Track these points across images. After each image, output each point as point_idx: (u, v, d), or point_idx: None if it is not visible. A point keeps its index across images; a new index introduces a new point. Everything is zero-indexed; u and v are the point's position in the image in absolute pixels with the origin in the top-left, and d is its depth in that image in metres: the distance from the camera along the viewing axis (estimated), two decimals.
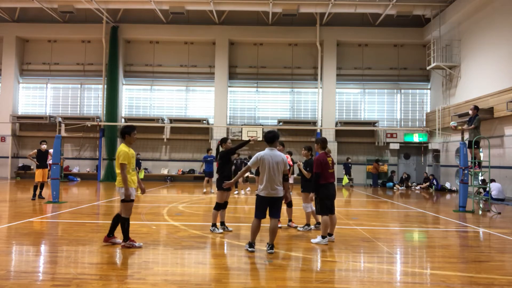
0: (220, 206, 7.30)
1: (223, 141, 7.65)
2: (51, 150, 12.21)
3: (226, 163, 7.44)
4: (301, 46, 22.92)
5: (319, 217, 8.01)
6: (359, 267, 5.32)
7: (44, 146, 12.16)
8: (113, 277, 4.60)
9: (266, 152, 5.90)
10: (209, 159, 15.48)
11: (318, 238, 6.61)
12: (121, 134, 6.24)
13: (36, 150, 12.11)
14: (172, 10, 19.91)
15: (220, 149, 7.73)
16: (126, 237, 6.01)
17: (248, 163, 5.99)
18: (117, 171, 6.17)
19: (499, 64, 15.59)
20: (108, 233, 6.18)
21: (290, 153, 10.41)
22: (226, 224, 7.56)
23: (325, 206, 6.62)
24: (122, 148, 6.13)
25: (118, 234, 6.20)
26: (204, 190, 15.31)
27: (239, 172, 6.46)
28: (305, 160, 7.92)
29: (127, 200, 6.09)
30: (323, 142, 6.84)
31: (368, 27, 22.11)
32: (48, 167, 12.38)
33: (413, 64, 22.64)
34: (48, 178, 12.31)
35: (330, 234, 6.72)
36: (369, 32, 22.08)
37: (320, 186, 6.62)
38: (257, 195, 5.93)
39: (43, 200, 11.76)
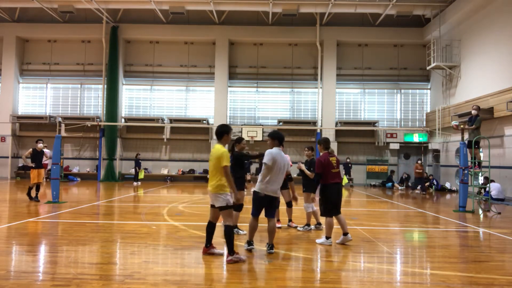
0: (240, 207, 7.05)
1: (238, 141, 7.30)
2: (46, 150, 11.91)
3: (240, 165, 7.15)
4: (301, 46, 22.92)
5: (320, 217, 8.02)
6: (359, 267, 5.32)
7: (40, 145, 11.63)
8: (113, 277, 4.60)
9: (277, 151, 5.86)
10: None
11: (323, 239, 6.59)
12: (219, 133, 5.56)
13: (31, 149, 11.54)
14: (172, 10, 19.92)
15: (235, 148, 7.28)
16: (231, 250, 5.28)
17: (267, 162, 5.75)
18: (216, 174, 5.36)
19: (499, 64, 15.59)
20: (206, 244, 5.67)
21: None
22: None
23: (329, 207, 6.49)
24: (222, 148, 5.42)
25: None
26: None
27: (260, 175, 5.95)
28: (306, 160, 7.90)
29: (231, 206, 5.41)
30: (325, 143, 6.78)
31: (368, 27, 22.11)
32: (43, 167, 12.06)
33: (413, 64, 22.64)
34: (48, 178, 12.06)
35: (346, 233, 6.52)
36: (369, 32, 22.08)
37: (323, 186, 6.52)
38: (257, 193, 5.82)
39: (38, 202, 11.20)
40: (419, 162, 18.85)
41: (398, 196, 16.28)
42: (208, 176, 5.73)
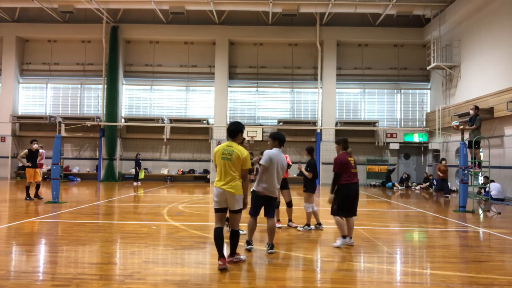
0: None
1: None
2: (41, 150, 12.11)
3: None
4: (301, 46, 22.91)
5: (320, 217, 8.03)
6: (359, 267, 5.32)
7: (35, 146, 11.88)
8: (113, 277, 4.60)
9: (275, 152, 5.96)
10: None
11: (339, 241, 6.35)
12: (233, 131, 5.28)
13: (26, 150, 11.79)
14: (172, 10, 19.92)
15: None
16: (233, 252, 5.30)
17: (263, 163, 5.83)
18: (236, 175, 5.12)
19: (499, 64, 15.58)
20: (230, 252, 5.31)
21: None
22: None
23: (343, 206, 6.33)
24: (245, 150, 5.23)
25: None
26: None
27: (258, 175, 6.01)
28: (307, 161, 7.89)
29: (242, 210, 5.29)
30: (344, 143, 6.62)
31: (368, 27, 22.11)
32: (39, 166, 12.26)
33: (413, 64, 22.63)
34: (48, 178, 12.21)
35: (350, 237, 6.42)
36: (369, 32, 22.08)
37: (340, 186, 6.38)
38: (254, 192, 5.88)
39: (41, 200, 11.63)
40: (443, 162, 16.85)
41: (398, 196, 16.27)
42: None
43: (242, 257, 5.37)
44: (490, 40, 16.31)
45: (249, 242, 5.93)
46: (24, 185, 12.47)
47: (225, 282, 4.52)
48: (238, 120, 5.52)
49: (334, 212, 6.46)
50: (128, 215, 9.59)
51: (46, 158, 17.91)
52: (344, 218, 6.44)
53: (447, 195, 15.55)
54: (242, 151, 5.15)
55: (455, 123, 12.24)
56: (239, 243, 6.24)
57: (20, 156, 11.82)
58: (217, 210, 5.21)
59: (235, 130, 5.29)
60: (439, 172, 16.68)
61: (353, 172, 6.44)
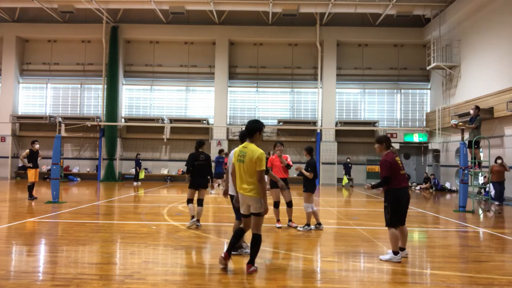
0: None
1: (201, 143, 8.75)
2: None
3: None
4: (301, 46, 22.91)
5: (320, 218, 8.03)
6: (359, 267, 5.31)
7: (37, 146, 11.96)
8: (113, 277, 4.60)
9: (234, 150, 5.25)
10: (220, 160, 15.43)
11: (389, 255, 5.57)
12: (251, 130, 4.89)
13: (28, 150, 11.83)
14: (172, 10, 19.92)
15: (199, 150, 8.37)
16: (254, 260, 4.90)
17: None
18: (253, 177, 4.78)
19: (499, 64, 15.58)
20: (250, 260, 4.91)
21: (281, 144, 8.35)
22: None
23: (396, 215, 5.53)
24: (259, 149, 4.79)
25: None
26: (213, 192, 14.49)
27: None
28: (307, 161, 7.88)
29: (264, 214, 4.92)
30: (388, 141, 5.78)
31: (368, 27, 22.11)
32: (38, 166, 12.31)
33: (413, 64, 22.63)
34: (48, 178, 12.22)
35: (402, 249, 5.66)
36: (369, 32, 22.08)
37: (390, 191, 5.55)
38: (231, 195, 5.79)
39: (35, 200, 11.65)
40: (499, 161, 12.90)
41: None
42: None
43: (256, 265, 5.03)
44: (490, 40, 16.31)
45: (241, 245, 5.75)
46: (25, 185, 12.47)
47: (225, 282, 4.52)
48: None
49: (388, 223, 5.58)
50: (128, 215, 9.59)
51: (46, 158, 17.91)
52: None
53: (499, 204, 12.67)
54: (254, 152, 4.73)
55: (454, 122, 12.23)
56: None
57: (23, 156, 11.84)
58: (241, 214, 5.15)
59: (252, 129, 4.89)
60: (497, 174, 12.83)
61: (402, 174, 5.60)
